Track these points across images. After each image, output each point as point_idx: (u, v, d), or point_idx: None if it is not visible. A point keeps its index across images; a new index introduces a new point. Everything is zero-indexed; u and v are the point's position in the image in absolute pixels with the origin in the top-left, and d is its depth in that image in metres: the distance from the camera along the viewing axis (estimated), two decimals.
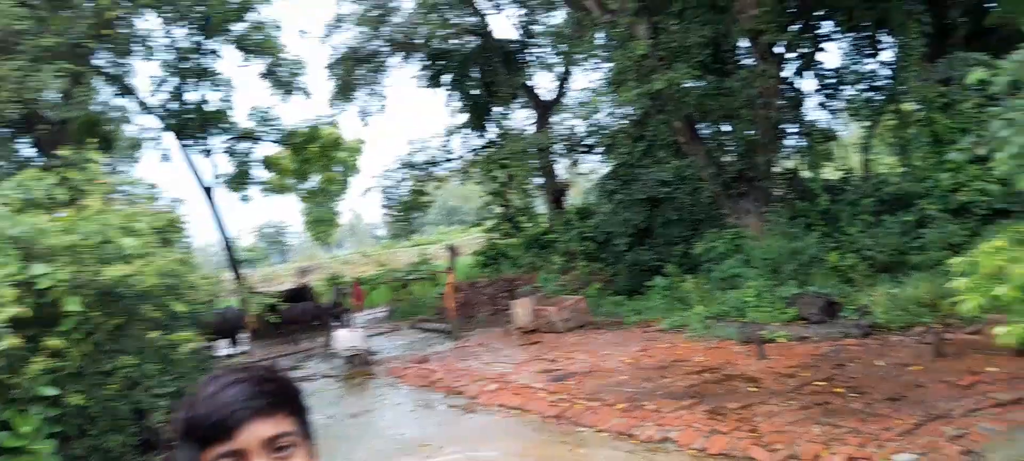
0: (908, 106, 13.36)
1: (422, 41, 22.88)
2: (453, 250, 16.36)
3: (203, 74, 20.59)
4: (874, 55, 16.69)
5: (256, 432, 1.28)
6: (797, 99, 16.62)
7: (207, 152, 22.45)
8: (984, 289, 4.03)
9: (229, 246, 23.92)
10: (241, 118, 30.23)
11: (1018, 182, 4.89)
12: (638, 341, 11.73)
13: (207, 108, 21.07)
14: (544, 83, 39.75)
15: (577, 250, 17.20)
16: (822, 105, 17.08)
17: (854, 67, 16.75)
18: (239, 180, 24.07)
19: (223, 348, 15.74)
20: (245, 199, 27.64)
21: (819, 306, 10.65)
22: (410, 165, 24.41)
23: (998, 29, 11.75)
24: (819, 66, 16.95)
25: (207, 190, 22.42)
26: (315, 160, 28.41)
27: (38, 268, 5.96)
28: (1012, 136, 4.76)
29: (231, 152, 25.04)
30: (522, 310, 14.41)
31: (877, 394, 7.24)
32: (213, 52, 20.67)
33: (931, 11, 14.66)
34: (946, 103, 12.11)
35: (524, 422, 8.55)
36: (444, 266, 18.56)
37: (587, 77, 38.93)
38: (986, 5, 14.30)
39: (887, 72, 15.91)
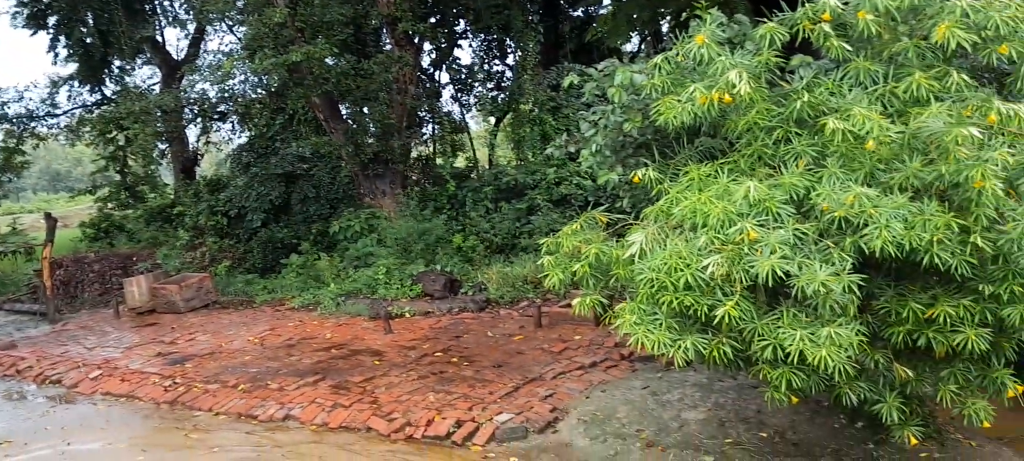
0: (525, 106, 14.98)
1: None
2: (50, 219, 14.11)
3: None
4: (502, 58, 18.41)
5: None
6: (434, 90, 17.61)
7: None
8: (565, 266, 4.68)
9: None
10: None
11: (599, 176, 5.74)
12: (268, 320, 11.40)
13: None
14: (174, 40, 36.16)
15: (206, 225, 16.08)
16: (455, 98, 18.35)
17: (485, 67, 18.30)
18: None
19: None
20: None
21: (442, 283, 11.47)
22: (1, 117, 20.44)
23: (600, 44, 13.80)
24: (455, 61, 18.17)
25: None
26: None
27: None
28: (593, 136, 5.64)
29: None
30: (137, 289, 13.06)
31: (486, 362, 8.03)
32: None
33: (546, 23, 16.61)
34: (554, 106, 13.86)
35: (133, 410, 7.79)
36: (41, 238, 15.94)
37: (222, 39, 36.48)
38: (592, 24, 16.62)
39: (511, 75, 17.67)
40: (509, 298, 10.92)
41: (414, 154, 16.62)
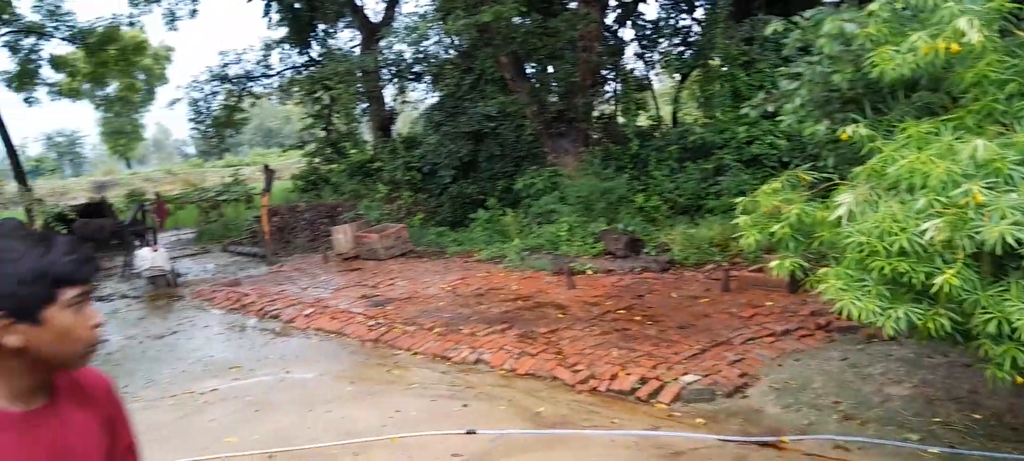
0: (714, 62, 14.42)
1: None
2: (269, 171, 15.65)
3: None
4: (689, 12, 17.82)
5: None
6: (617, 47, 17.42)
7: None
8: (762, 226, 4.52)
9: (11, 151, 21.36)
10: (25, 8, 26.89)
11: (803, 131, 5.45)
12: (458, 270, 12.00)
13: None
14: (371, 3, 38.19)
15: (402, 180, 17.13)
16: (639, 55, 18.05)
17: (670, 22, 17.81)
18: (23, 79, 21.45)
19: None
20: (30, 101, 24.83)
21: (624, 242, 11.46)
22: (223, 78, 22.84)
23: None
24: (639, 17, 17.84)
25: None
26: (113, 64, 25.90)
27: None
28: (797, 89, 5.35)
29: (13, 48, 22.29)
30: (343, 236, 14.22)
31: (670, 323, 7.97)
32: None
33: None
34: (747, 61, 13.21)
35: (341, 345, 8.56)
36: (259, 188, 17.73)
37: (416, 1, 38.13)
38: None
39: (698, 29, 17.06)
40: (694, 260, 10.71)
41: (596, 112, 16.62)
